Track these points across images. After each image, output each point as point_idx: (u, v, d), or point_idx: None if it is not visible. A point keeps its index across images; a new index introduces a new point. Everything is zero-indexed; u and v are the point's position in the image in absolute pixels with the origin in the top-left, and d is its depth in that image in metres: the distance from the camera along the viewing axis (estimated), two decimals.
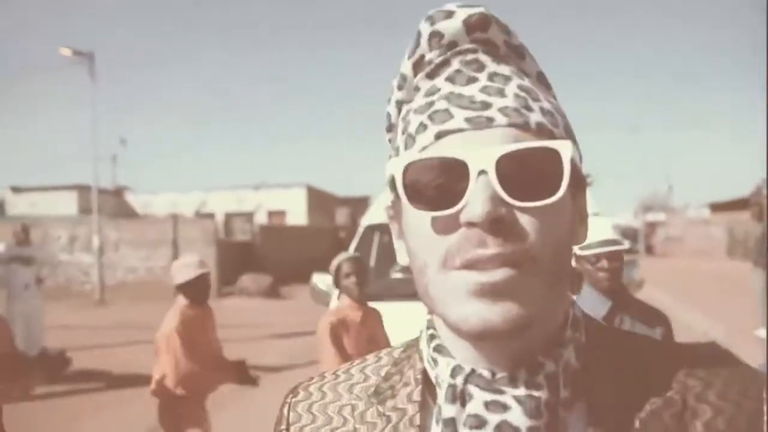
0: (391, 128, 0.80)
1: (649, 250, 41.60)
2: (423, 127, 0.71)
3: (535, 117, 0.70)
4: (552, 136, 0.70)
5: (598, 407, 0.69)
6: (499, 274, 0.64)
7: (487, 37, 0.74)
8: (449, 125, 0.69)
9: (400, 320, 3.88)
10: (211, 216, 27.38)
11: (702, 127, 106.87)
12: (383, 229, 6.23)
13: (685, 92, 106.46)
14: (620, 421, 0.67)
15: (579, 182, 0.73)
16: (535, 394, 0.67)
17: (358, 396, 0.79)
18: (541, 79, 0.77)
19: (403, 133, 0.74)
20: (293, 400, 0.83)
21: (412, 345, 0.81)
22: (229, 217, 31.35)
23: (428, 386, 0.75)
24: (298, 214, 33.68)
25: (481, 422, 0.67)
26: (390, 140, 0.80)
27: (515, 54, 0.75)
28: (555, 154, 0.66)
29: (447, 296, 0.67)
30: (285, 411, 0.83)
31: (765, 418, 0.66)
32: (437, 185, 0.67)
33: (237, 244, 24.17)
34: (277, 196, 34.52)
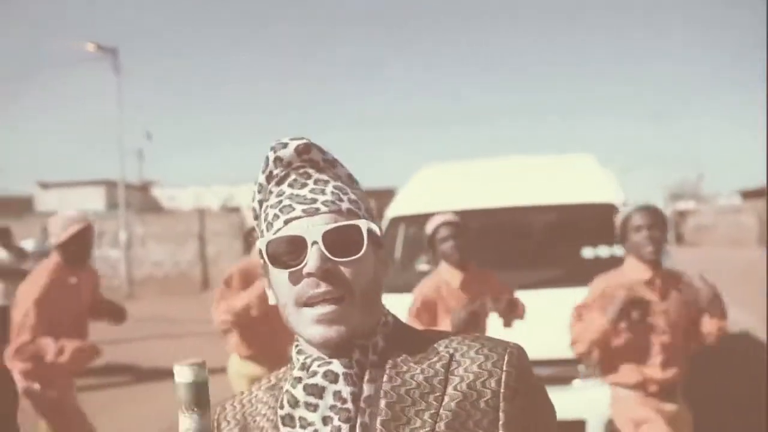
0: (257, 218, 1.18)
1: (679, 239, 41.13)
2: (276, 217, 1.09)
3: (345, 205, 1.09)
4: (357, 217, 1.10)
5: (395, 363, 1.07)
6: (329, 308, 1.03)
7: (310, 157, 1.12)
8: (292, 215, 1.07)
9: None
10: (237, 210, 27.49)
11: (731, 116, 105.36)
12: (408, 221, 6.17)
13: (713, 81, 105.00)
14: (407, 369, 1.06)
15: (377, 243, 1.12)
16: (349, 356, 1.05)
17: (264, 390, 1.17)
18: (349, 178, 1.16)
19: (264, 221, 1.12)
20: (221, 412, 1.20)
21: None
22: None
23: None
24: None
25: (314, 373, 1.05)
26: (256, 225, 1.18)
27: (330, 165, 1.14)
28: (358, 228, 1.06)
29: (301, 324, 1.06)
30: (216, 416, 1.19)
31: (505, 367, 1.03)
32: (288, 253, 1.05)
33: None
34: None
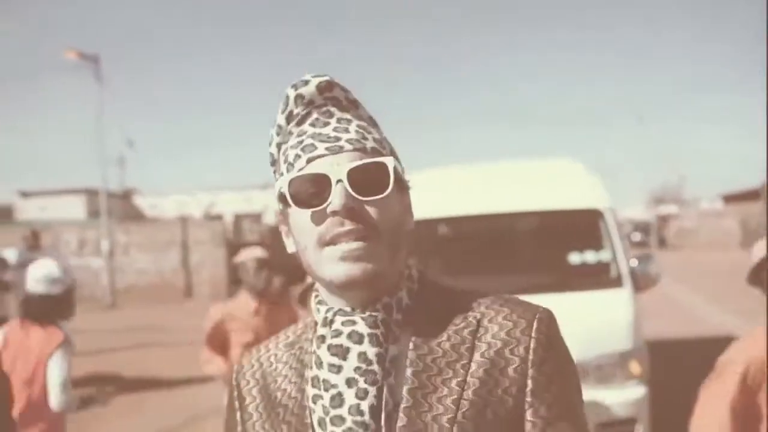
0: (274, 163, 1.14)
1: (662, 242, 41.38)
2: (298, 156, 1.05)
3: (369, 144, 1.06)
4: (382, 155, 1.06)
5: (420, 326, 1.05)
6: (354, 245, 0.99)
7: (333, 95, 1.09)
8: (315, 153, 1.04)
9: None
10: (219, 217, 27.35)
11: (713, 119, 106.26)
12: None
13: (695, 84, 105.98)
14: (433, 334, 1.05)
15: (402, 184, 1.09)
16: (374, 314, 1.03)
17: (283, 348, 1.16)
18: (371, 120, 1.13)
19: (284, 163, 1.08)
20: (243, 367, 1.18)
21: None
22: (237, 217, 31.32)
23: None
24: None
25: (338, 333, 1.03)
26: (274, 171, 1.14)
27: (352, 105, 1.11)
28: (384, 166, 1.03)
29: (324, 263, 1.02)
30: (235, 374, 1.18)
31: (533, 334, 1.02)
32: (311, 192, 1.02)
33: (246, 245, 24.12)
34: None
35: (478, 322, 1.04)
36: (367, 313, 1.03)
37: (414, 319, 1.05)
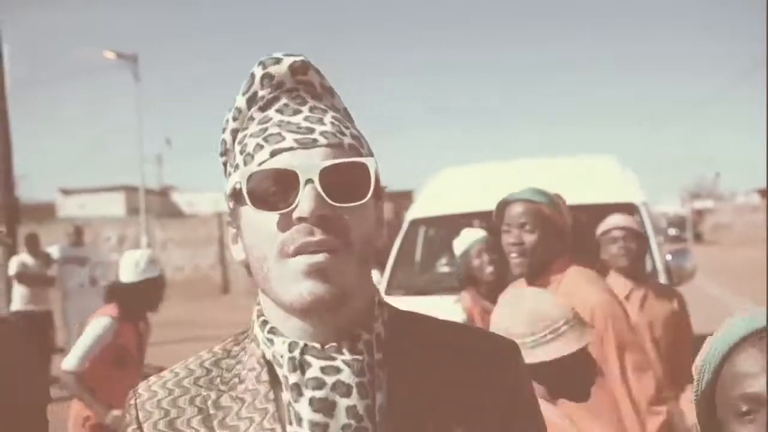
0: (225, 152, 0.96)
1: (698, 237, 40.85)
2: (259, 147, 0.88)
3: (347, 140, 0.89)
4: (360, 155, 0.90)
5: (399, 365, 0.91)
6: (322, 257, 0.83)
7: (307, 78, 0.93)
8: (282, 145, 0.86)
9: (447, 313, 3.87)
10: None
11: (746, 116, 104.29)
12: (429, 222, 6.20)
13: (731, 81, 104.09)
14: (413, 373, 0.91)
15: (379, 192, 0.92)
16: (359, 357, 0.87)
17: (207, 387, 0.92)
18: (346, 113, 0.97)
19: (241, 153, 0.90)
20: (138, 401, 0.92)
21: (242, 336, 0.97)
22: None
23: (269, 366, 0.91)
24: None
25: (320, 383, 0.85)
26: (224, 163, 0.97)
27: (328, 93, 0.95)
28: (364, 168, 0.87)
29: (284, 278, 0.85)
30: (132, 412, 0.92)
31: (512, 366, 0.97)
32: (274, 191, 0.85)
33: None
34: None
35: (459, 349, 0.95)
36: (351, 357, 0.86)
37: (392, 357, 0.91)
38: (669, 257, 5.02)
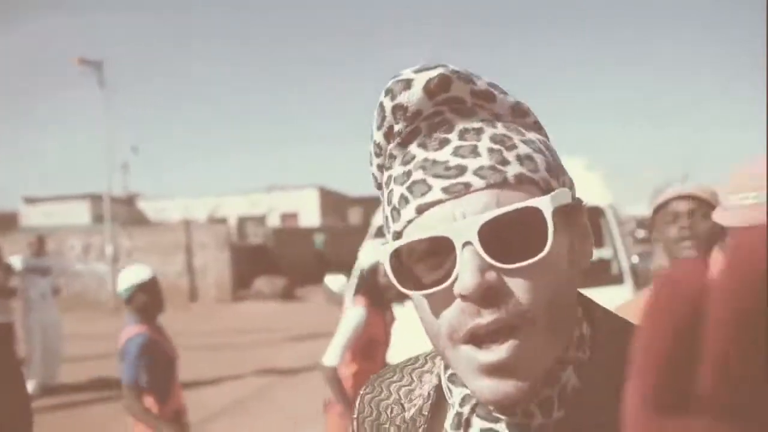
0: (380, 186, 0.81)
1: None
2: (404, 200, 0.72)
3: (512, 170, 0.69)
4: (533, 183, 0.70)
5: (590, 424, 0.69)
6: (503, 351, 0.67)
7: (451, 95, 0.72)
8: (428, 198, 0.70)
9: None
10: (223, 220, 27.41)
11: (719, 119, 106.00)
12: None
13: (712, 81, 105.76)
14: (602, 417, 0.67)
15: (570, 218, 0.73)
16: (525, 422, 0.72)
17: (399, 397, 0.88)
18: (516, 111, 0.76)
19: (389, 204, 0.75)
20: (364, 392, 0.94)
21: (435, 353, 0.87)
22: (242, 220, 31.37)
23: (438, 401, 0.83)
24: (310, 216, 33.67)
25: None
26: (383, 206, 0.80)
27: (484, 99, 0.74)
28: (536, 212, 0.67)
29: (461, 369, 0.71)
30: (357, 402, 0.94)
31: None
32: (426, 262, 0.70)
33: (251, 248, 24.17)
34: (289, 198, 34.53)
35: None
36: (517, 419, 0.73)
37: (583, 414, 0.71)
38: (636, 259, 5.05)
